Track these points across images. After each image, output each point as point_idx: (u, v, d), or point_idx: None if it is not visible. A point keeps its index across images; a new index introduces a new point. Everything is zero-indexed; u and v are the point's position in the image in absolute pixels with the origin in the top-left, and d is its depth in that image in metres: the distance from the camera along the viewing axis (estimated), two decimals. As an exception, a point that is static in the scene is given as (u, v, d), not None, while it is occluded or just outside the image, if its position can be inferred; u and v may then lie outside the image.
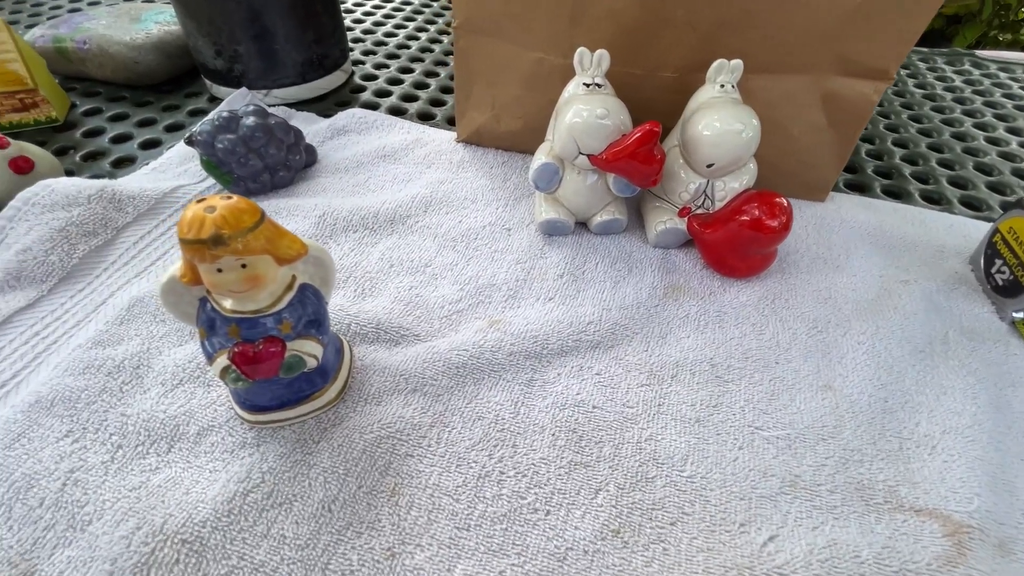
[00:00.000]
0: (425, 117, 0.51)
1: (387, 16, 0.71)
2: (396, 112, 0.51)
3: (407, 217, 0.38)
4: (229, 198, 0.21)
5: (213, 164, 0.38)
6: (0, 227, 0.33)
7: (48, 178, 0.38)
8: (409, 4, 0.75)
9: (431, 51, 0.63)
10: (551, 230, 0.37)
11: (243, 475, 0.24)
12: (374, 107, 0.52)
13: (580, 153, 0.32)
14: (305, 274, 0.24)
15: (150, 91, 0.53)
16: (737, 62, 0.32)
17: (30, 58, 0.44)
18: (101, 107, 0.50)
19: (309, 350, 0.24)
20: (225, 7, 0.44)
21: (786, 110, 0.36)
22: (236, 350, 0.22)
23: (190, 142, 0.38)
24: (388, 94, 0.55)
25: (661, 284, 0.34)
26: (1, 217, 0.33)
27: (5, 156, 0.36)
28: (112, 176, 0.42)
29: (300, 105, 0.51)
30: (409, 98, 0.54)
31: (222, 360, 0.23)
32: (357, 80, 0.57)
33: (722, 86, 0.33)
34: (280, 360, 0.23)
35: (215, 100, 0.52)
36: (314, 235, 0.36)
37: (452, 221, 0.38)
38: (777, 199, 0.32)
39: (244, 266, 0.21)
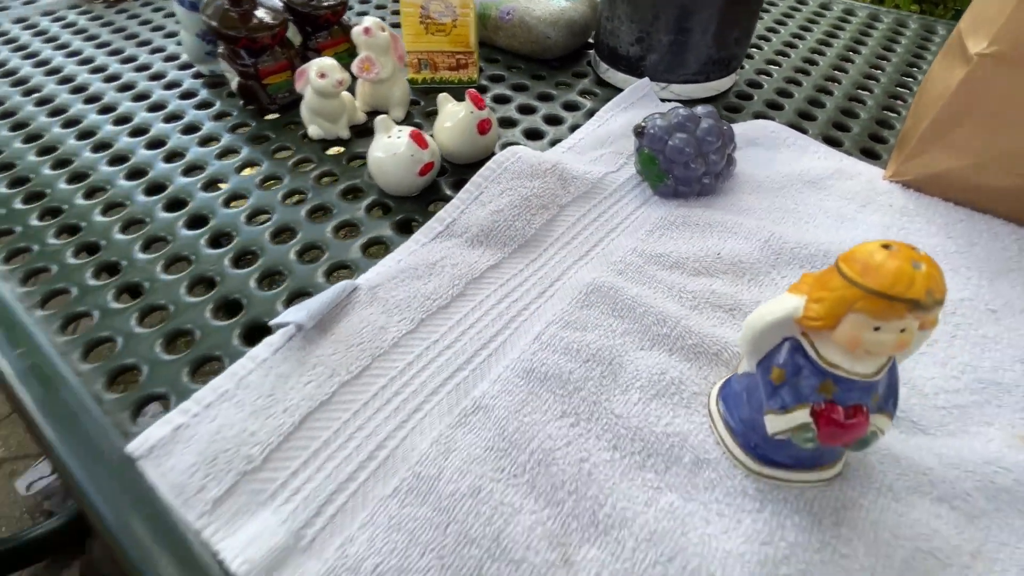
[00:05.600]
0: (828, 141, 0.45)
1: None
2: (793, 129, 0.46)
3: (858, 264, 0.33)
4: (915, 249, 0.18)
5: (653, 160, 0.37)
6: (477, 184, 0.36)
7: (492, 141, 0.41)
8: None
9: (816, 62, 0.56)
10: (1074, 332, 0.29)
11: (765, 536, 0.21)
12: (768, 119, 0.47)
13: None
14: (896, 340, 0.21)
15: (542, 65, 0.55)
16: None
17: (474, 23, 0.48)
18: (503, 75, 0.53)
19: (882, 426, 0.21)
20: (675, -4, 0.43)
21: None
22: (822, 409, 0.20)
23: (639, 132, 0.37)
24: (779, 107, 0.50)
25: None
26: (479, 175, 0.36)
27: (477, 117, 0.38)
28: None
29: (691, 104, 0.49)
30: (806, 115, 0.49)
31: (801, 415, 0.20)
32: (742, 85, 0.52)
33: None
34: (862, 434, 0.20)
35: (603, 84, 0.52)
36: (758, 260, 0.33)
37: (913, 282, 0.32)
38: None
39: (903, 330, 0.18)
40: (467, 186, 0.36)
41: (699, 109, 0.37)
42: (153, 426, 0.25)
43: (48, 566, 0.95)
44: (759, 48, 0.59)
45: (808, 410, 0.20)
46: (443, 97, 0.41)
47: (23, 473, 1.04)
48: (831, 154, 0.42)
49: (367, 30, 0.41)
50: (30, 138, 0.45)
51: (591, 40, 0.57)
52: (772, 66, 0.56)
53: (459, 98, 0.40)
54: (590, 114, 0.47)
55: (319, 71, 0.39)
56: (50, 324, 0.30)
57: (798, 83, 0.53)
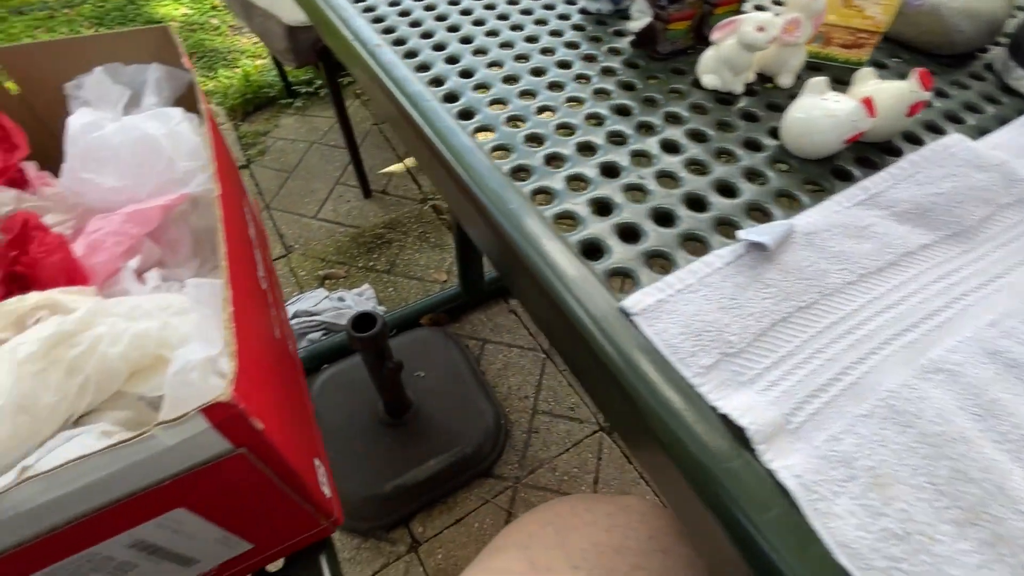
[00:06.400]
0: None
1: None
2: None
3: None
4: None
5: None
6: (913, 163, 0.36)
7: (907, 124, 0.40)
8: None
9: None
10: None
11: None
12: None
13: None
14: None
15: (931, 59, 0.52)
16: None
17: (898, 4, 0.46)
18: (887, 63, 0.51)
19: None
20: None
21: None
22: None
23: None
24: None
25: None
26: (917, 155, 0.36)
27: (916, 97, 0.38)
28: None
29: None
30: None
31: None
32: None
33: None
34: None
35: (1009, 91, 0.48)
36: None
37: None
38: None
39: None
40: (900, 162, 0.36)
41: None
42: (638, 292, 0.30)
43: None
44: None
45: None
46: (867, 71, 0.40)
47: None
48: None
49: (815, -8, 0.42)
50: (464, 40, 0.53)
51: (989, 44, 0.52)
52: None
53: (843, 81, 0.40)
54: (999, 120, 0.44)
55: (759, 25, 0.41)
56: (510, 183, 0.37)
57: None
